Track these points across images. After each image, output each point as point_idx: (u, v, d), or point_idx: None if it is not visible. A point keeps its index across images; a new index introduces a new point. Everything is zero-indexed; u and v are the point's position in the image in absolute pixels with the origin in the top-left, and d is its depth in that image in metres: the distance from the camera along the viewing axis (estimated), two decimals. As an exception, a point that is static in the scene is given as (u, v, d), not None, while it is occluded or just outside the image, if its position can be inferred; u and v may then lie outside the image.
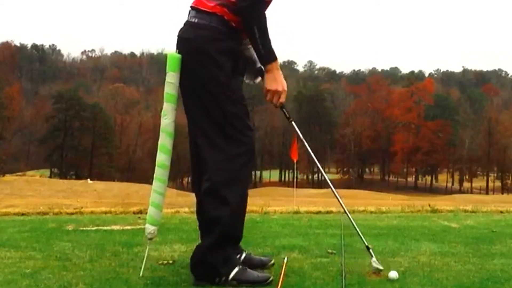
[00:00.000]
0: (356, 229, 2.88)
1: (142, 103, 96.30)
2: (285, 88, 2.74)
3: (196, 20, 2.70)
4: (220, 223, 2.63)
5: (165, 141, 2.80)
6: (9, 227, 4.85)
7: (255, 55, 2.78)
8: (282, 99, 2.74)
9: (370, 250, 2.87)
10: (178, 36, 2.76)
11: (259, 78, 2.89)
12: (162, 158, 2.81)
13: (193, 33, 2.69)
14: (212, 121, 2.66)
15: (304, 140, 2.99)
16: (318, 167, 3.23)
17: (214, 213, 2.65)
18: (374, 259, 2.84)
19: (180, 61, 2.71)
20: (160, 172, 2.81)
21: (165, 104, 2.79)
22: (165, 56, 2.77)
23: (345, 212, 2.94)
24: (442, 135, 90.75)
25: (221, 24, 2.65)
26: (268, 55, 2.68)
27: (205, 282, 2.64)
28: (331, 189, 2.97)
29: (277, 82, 2.71)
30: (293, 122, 2.90)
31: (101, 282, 2.68)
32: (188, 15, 2.76)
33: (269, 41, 2.66)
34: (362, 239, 2.87)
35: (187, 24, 2.75)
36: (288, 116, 2.89)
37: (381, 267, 2.83)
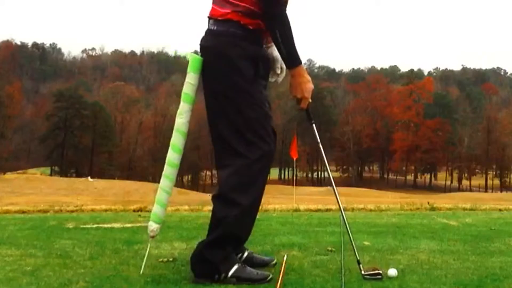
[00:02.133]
0: (349, 235, 2.81)
1: (142, 102, 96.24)
2: (306, 95, 2.72)
3: (215, 28, 2.72)
4: (226, 223, 2.64)
5: (177, 140, 2.81)
6: (9, 225, 4.86)
7: (277, 53, 2.78)
8: (303, 104, 2.75)
9: (360, 265, 2.77)
10: (200, 45, 2.78)
11: (283, 75, 2.90)
12: (173, 156, 2.81)
13: (213, 40, 2.72)
14: (233, 127, 2.67)
15: (320, 144, 2.97)
16: (326, 167, 3.21)
17: (222, 212, 2.67)
18: (363, 272, 2.74)
19: (201, 63, 2.74)
20: (169, 170, 2.81)
21: (182, 103, 2.80)
22: (190, 58, 2.80)
23: (341, 215, 2.89)
24: (441, 134, 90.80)
25: (239, 29, 2.66)
26: (291, 60, 2.68)
27: (204, 280, 2.65)
28: (333, 188, 2.94)
29: (297, 89, 2.71)
30: (314, 126, 2.90)
31: (102, 280, 2.69)
32: (208, 24, 2.78)
33: (293, 45, 2.65)
34: (355, 252, 2.78)
35: (207, 32, 2.77)
36: (310, 119, 2.88)
37: (377, 276, 2.73)
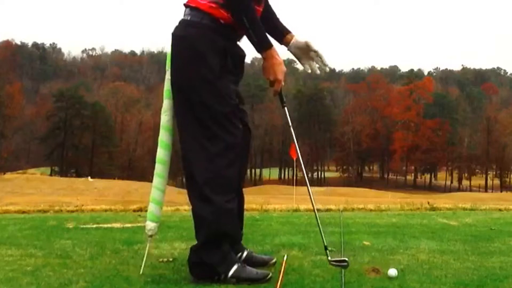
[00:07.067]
0: (318, 226, 2.79)
1: (143, 102, 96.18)
2: (279, 77, 2.70)
3: (189, 18, 2.71)
4: (206, 223, 2.65)
5: (164, 137, 2.83)
6: (9, 225, 4.86)
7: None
8: (276, 87, 2.73)
9: (327, 251, 2.74)
10: (172, 33, 2.77)
11: None
12: (161, 153, 2.82)
13: (185, 30, 2.71)
14: (197, 119, 2.66)
15: (291, 127, 2.94)
16: (296, 148, 3.19)
17: (198, 211, 2.68)
18: (330, 258, 2.70)
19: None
20: (160, 168, 2.82)
21: (165, 100, 2.81)
22: (166, 54, 2.80)
23: (314, 210, 2.86)
24: (441, 134, 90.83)
25: (212, 22, 2.66)
26: (261, 43, 2.68)
27: (204, 280, 2.65)
28: (307, 187, 2.87)
29: (269, 71, 2.70)
30: (285, 109, 2.86)
31: (102, 280, 2.69)
32: (184, 13, 2.77)
33: (261, 29, 2.65)
34: (322, 236, 2.77)
35: (180, 21, 2.77)
36: (283, 101, 2.85)
37: (343, 263, 2.67)
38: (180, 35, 2.72)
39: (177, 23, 2.78)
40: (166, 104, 2.81)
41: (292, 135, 3.01)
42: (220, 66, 2.67)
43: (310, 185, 2.90)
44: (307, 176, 3.09)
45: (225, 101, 2.67)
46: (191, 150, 2.68)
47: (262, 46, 2.68)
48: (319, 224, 2.80)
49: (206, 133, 2.65)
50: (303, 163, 3.01)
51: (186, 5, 2.76)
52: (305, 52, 2.94)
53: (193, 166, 2.67)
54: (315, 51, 2.92)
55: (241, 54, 2.82)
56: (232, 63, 2.74)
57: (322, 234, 2.77)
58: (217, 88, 2.66)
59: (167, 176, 2.88)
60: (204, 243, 2.66)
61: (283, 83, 2.75)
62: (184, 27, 2.72)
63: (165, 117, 2.82)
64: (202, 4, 2.67)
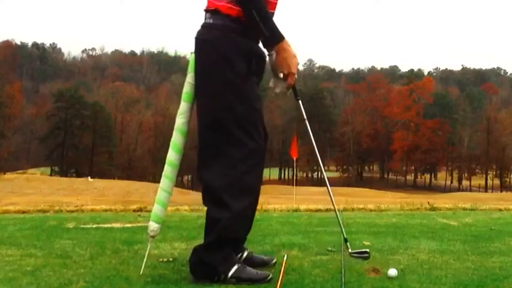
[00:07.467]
0: (338, 221, 2.86)
1: (142, 102, 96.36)
2: (293, 70, 2.66)
3: (211, 21, 2.69)
4: (220, 226, 2.61)
5: (177, 140, 2.80)
6: (9, 225, 4.86)
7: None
8: (290, 80, 2.69)
9: (347, 243, 2.82)
10: (195, 38, 2.74)
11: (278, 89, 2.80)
12: (173, 156, 2.80)
13: (209, 34, 2.68)
14: (221, 123, 2.62)
15: (306, 120, 2.93)
16: (314, 146, 3.20)
17: (215, 215, 2.63)
18: (350, 250, 2.80)
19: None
20: (169, 170, 2.80)
21: (182, 103, 2.79)
22: (189, 57, 2.81)
23: (335, 212, 2.92)
24: (441, 134, 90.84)
25: (235, 22, 2.62)
26: (273, 36, 2.63)
27: (204, 280, 2.65)
28: (327, 188, 2.94)
29: (283, 65, 2.65)
30: (300, 102, 2.84)
31: (102, 280, 2.69)
32: (204, 18, 2.75)
33: (272, 22, 2.61)
34: (342, 231, 2.85)
35: (203, 25, 2.74)
36: (297, 95, 2.82)
37: (364, 255, 2.80)
38: (204, 38, 2.69)
39: (199, 28, 2.75)
40: (183, 106, 2.79)
41: (307, 128, 2.99)
42: (246, 68, 2.65)
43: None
44: (325, 174, 3.16)
45: (250, 105, 2.65)
46: (212, 155, 2.65)
47: (274, 39, 2.63)
48: (340, 220, 2.87)
49: (229, 138, 2.61)
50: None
51: (206, 10, 2.74)
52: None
53: (212, 171, 2.63)
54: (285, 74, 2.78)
55: (264, 55, 2.78)
56: (256, 64, 2.71)
57: (342, 228, 2.85)
58: (242, 92, 2.63)
59: (175, 179, 2.87)
60: (210, 243, 2.65)
61: (296, 76, 2.71)
62: (208, 31, 2.69)
63: (181, 120, 2.79)
64: (221, 5, 2.64)
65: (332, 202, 2.90)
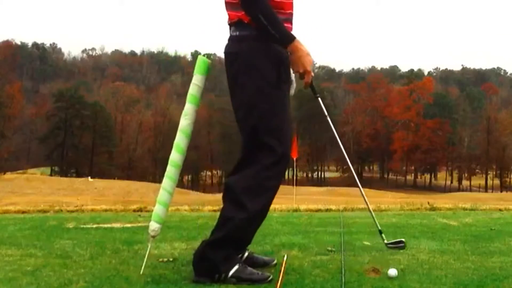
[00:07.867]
0: (373, 218, 3.15)
1: (143, 102, 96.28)
2: (308, 68, 2.68)
3: (237, 33, 2.70)
4: (231, 225, 2.64)
5: (181, 141, 2.82)
6: (10, 225, 4.87)
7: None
8: (307, 79, 2.71)
9: (382, 235, 3.08)
10: (224, 52, 2.76)
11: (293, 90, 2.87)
12: (176, 157, 2.82)
13: (237, 46, 2.70)
14: (254, 132, 2.67)
15: (328, 117, 3.03)
16: (349, 165, 3.35)
17: (229, 213, 2.67)
18: (385, 241, 3.05)
19: (209, 66, 2.78)
20: (172, 171, 2.82)
21: (187, 104, 2.81)
22: (197, 58, 2.85)
23: (369, 210, 3.23)
24: (441, 134, 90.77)
25: (260, 31, 2.63)
26: (284, 38, 2.64)
27: (204, 279, 2.65)
28: (359, 188, 3.10)
29: (298, 64, 2.67)
30: (319, 99, 2.90)
31: (102, 280, 2.69)
32: (230, 31, 2.77)
33: (280, 23, 2.62)
34: (376, 224, 3.13)
35: (230, 38, 2.75)
36: (315, 92, 2.89)
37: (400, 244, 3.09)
38: (233, 51, 2.71)
39: (226, 41, 2.77)
40: (188, 108, 2.81)
41: (330, 125, 3.08)
42: (277, 77, 2.68)
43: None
44: (357, 175, 3.37)
45: (282, 113, 2.70)
46: (245, 160, 2.70)
47: (286, 40, 2.64)
48: (373, 214, 3.20)
49: (262, 146, 2.66)
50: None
51: (230, 24, 2.75)
52: None
53: (240, 174, 2.69)
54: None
55: (288, 61, 2.78)
56: (285, 72, 2.74)
57: (376, 221, 3.14)
58: (275, 100, 2.67)
59: (177, 180, 2.88)
60: (216, 240, 2.67)
61: (313, 74, 2.73)
62: (236, 44, 2.71)
63: (185, 121, 2.81)
64: (242, 15, 2.66)
65: (364, 198, 3.23)
